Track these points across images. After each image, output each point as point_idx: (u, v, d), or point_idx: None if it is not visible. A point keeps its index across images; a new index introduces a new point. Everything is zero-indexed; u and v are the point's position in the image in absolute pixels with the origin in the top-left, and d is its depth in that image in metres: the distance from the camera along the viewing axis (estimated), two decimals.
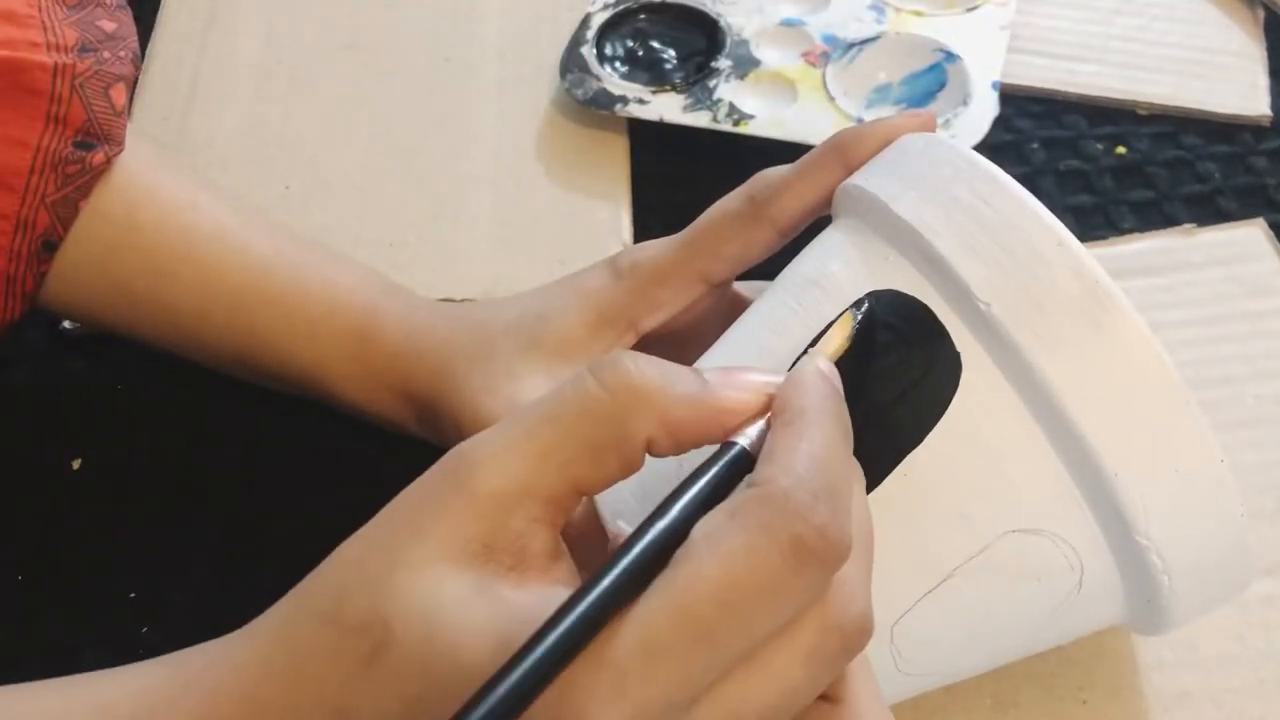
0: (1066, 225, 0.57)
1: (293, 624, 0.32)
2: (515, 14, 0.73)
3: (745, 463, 0.31)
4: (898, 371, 0.36)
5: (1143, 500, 0.35)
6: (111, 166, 0.50)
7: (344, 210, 0.64)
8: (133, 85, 0.53)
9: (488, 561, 0.30)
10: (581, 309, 0.48)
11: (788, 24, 0.70)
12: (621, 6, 0.70)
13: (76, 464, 0.55)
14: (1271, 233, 0.60)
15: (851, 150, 0.44)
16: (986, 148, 0.64)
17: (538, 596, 0.30)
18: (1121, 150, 0.66)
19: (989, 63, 0.67)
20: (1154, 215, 0.62)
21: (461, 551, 0.30)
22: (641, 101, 0.66)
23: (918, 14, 0.69)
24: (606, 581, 0.28)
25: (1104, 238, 0.62)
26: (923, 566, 0.37)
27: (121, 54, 0.52)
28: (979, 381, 0.36)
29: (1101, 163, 0.65)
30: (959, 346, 0.36)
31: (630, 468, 0.32)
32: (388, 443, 0.52)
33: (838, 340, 0.36)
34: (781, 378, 0.33)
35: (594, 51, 0.68)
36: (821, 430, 0.31)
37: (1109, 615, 0.41)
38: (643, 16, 0.71)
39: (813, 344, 0.37)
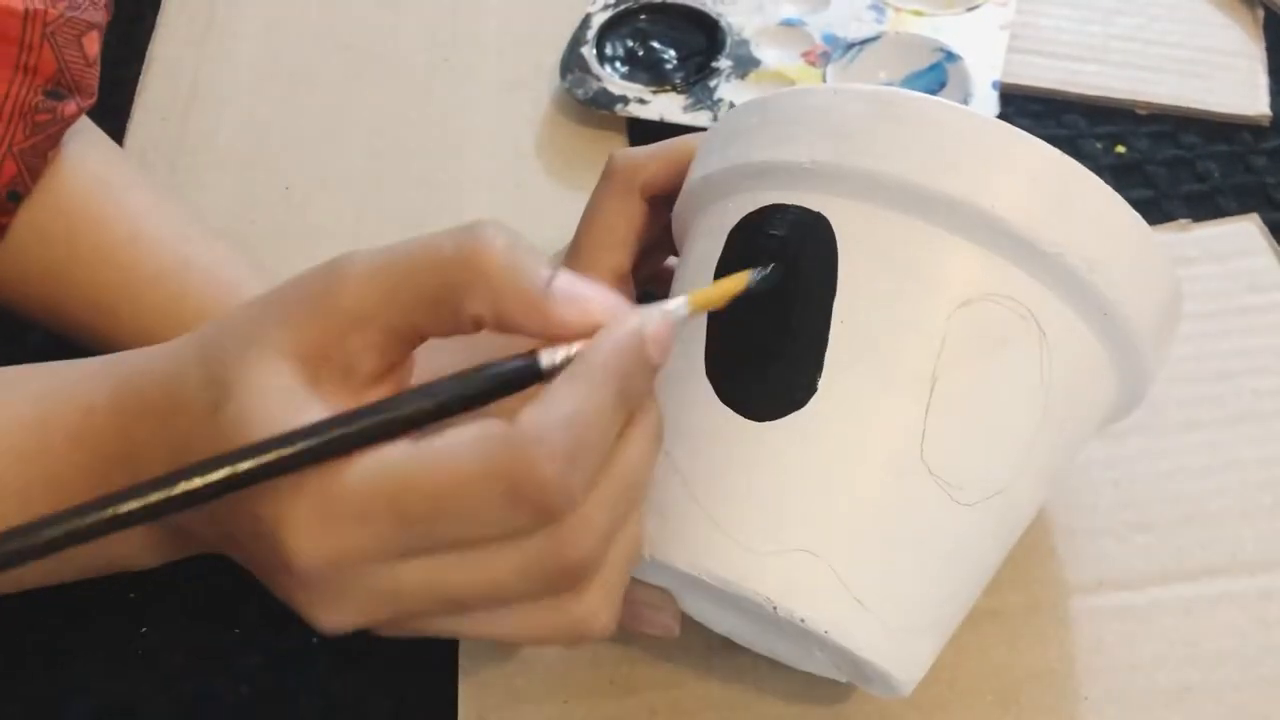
0: None
1: (174, 362, 0.36)
2: (514, 14, 0.73)
3: (534, 375, 0.34)
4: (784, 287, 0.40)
5: (1058, 240, 0.38)
6: (60, 167, 0.50)
7: (343, 210, 0.64)
8: (104, 31, 0.52)
9: (320, 367, 0.34)
10: None
11: (788, 24, 0.70)
12: (622, 6, 0.71)
13: None
14: (1266, 228, 0.60)
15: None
16: None
17: (338, 407, 0.33)
18: (1121, 149, 0.66)
19: (990, 62, 0.67)
20: (1154, 214, 0.62)
21: (305, 352, 0.34)
22: (642, 101, 0.66)
23: (918, 14, 0.70)
24: (353, 426, 0.32)
25: None
26: (908, 385, 0.38)
27: (95, 1, 0.51)
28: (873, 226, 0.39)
29: (1101, 162, 0.65)
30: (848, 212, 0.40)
31: (462, 331, 0.34)
32: None
33: (715, 295, 0.38)
34: (615, 314, 0.34)
35: (594, 51, 0.68)
36: (595, 398, 0.33)
37: (1097, 385, 0.42)
38: (643, 16, 0.71)
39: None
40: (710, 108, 0.65)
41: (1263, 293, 0.57)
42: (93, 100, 0.50)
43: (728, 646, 0.46)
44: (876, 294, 0.39)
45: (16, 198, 0.49)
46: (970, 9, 0.70)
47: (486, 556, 0.33)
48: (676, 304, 0.36)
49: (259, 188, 0.64)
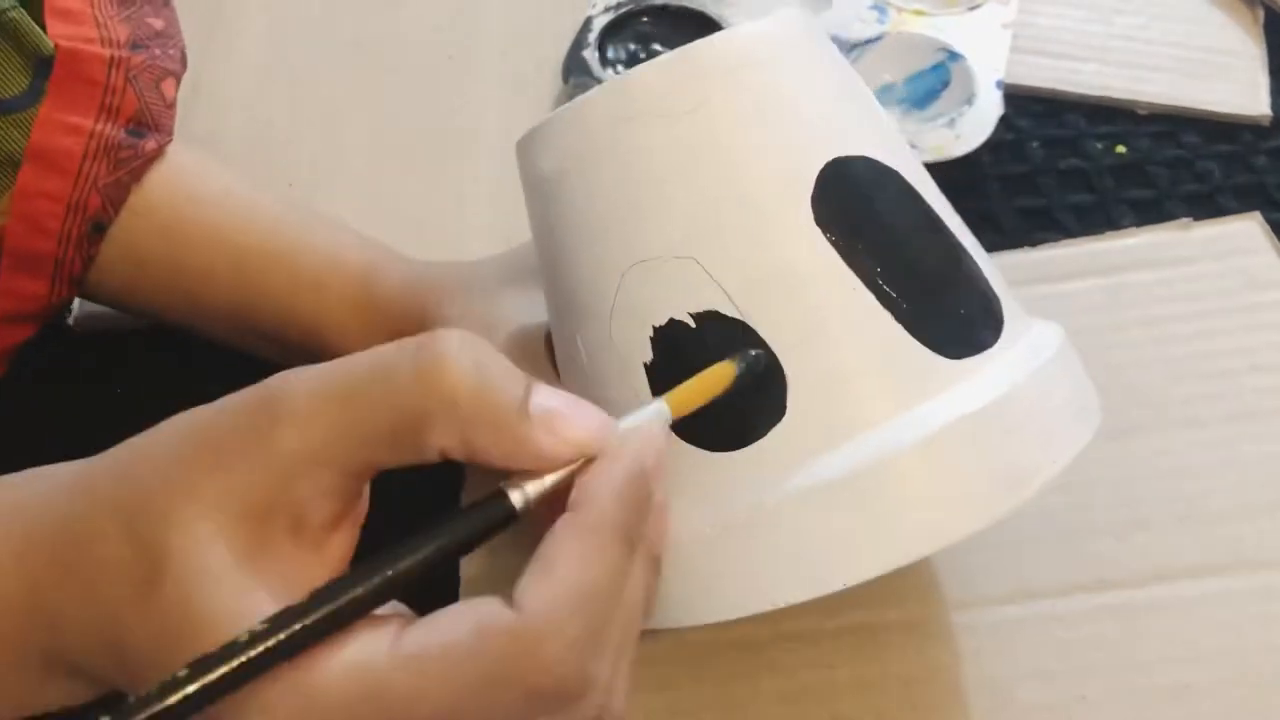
0: (1067, 223, 0.58)
1: (98, 515, 0.31)
2: (517, 13, 0.73)
3: (509, 519, 0.31)
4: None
5: None
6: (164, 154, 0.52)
7: (345, 208, 0.64)
8: (179, 82, 0.54)
9: (267, 521, 0.30)
10: None
11: None
12: (623, 9, 0.71)
13: None
14: (1268, 226, 0.60)
15: None
16: (986, 146, 0.64)
17: (296, 573, 0.30)
18: (1121, 149, 0.66)
19: (992, 62, 0.67)
20: (1154, 214, 0.62)
21: (246, 505, 0.30)
22: None
23: (920, 14, 0.70)
24: (319, 612, 0.29)
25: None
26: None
27: (171, 51, 0.53)
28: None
29: (1101, 162, 0.66)
30: None
31: (425, 461, 0.31)
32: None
33: (696, 396, 0.35)
34: (600, 440, 0.32)
35: (596, 55, 0.69)
36: (603, 555, 0.30)
37: None
38: (644, 19, 0.71)
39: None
40: None
41: (1263, 291, 0.57)
42: (170, 138, 0.53)
43: (725, 648, 0.47)
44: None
45: (101, 229, 0.51)
46: (972, 8, 0.70)
47: None
48: (656, 412, 0.34)
49: (262, 185, 0.64)
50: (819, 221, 0.37)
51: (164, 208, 0.52)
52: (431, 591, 0.32)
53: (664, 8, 0.71)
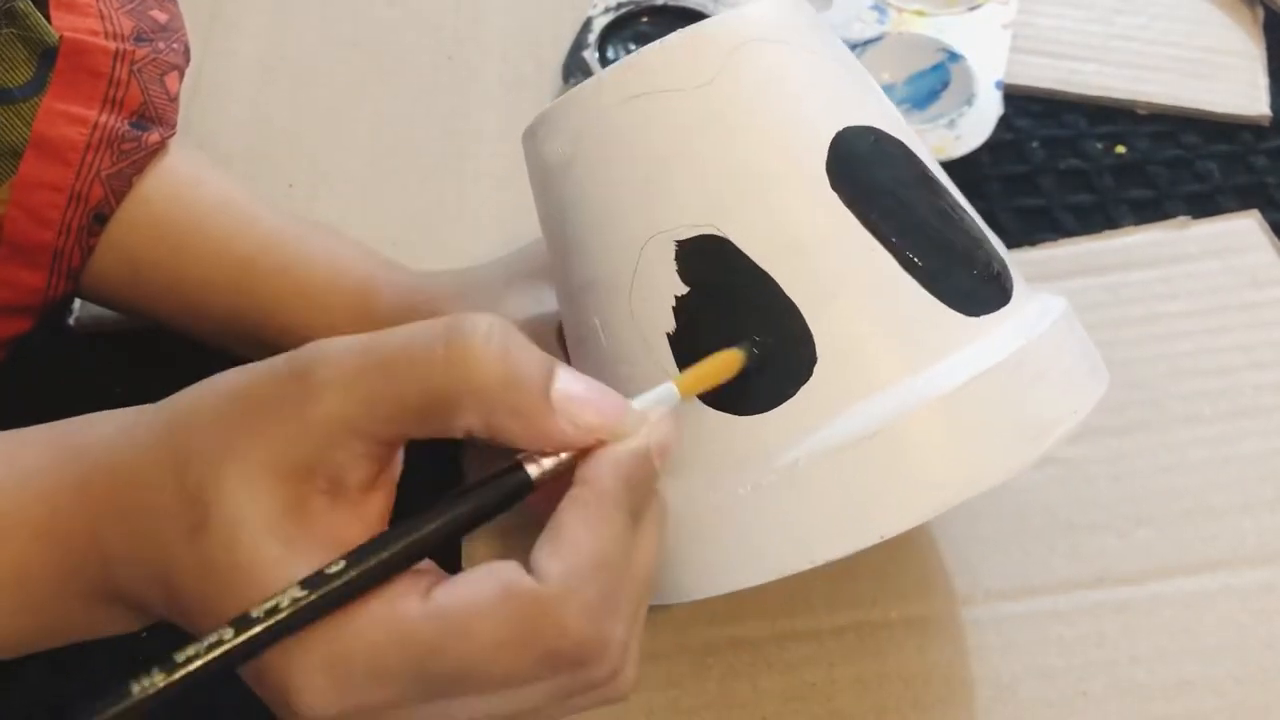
0: (1067, 223, 0.59)
1: (149, 466, 0.33)
2: (517, 13, 0.73)
3: (527, 489, 0.33)
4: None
5: None
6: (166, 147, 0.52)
7: (345, 209, 0.64)
8: (182, 75, 0.55)
9: (306, 480, 0.32)
10: None
11: None
12: (623, 10, 0.71)
13: None
14: (1266, 224, 0.60)
15: None
16: (986, 147, 0.64)
17: (334, 529, 0.32)
18: (1121, 149, 0.66)
19: (992, 62, 0.67)
20: (1154, 214, 0.62)
21: (286, 466, 0.31)
22: None
23: (920, 14, 0.70)
24: (352, 573, 0.30)
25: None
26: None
27: (175, 45, 0.54)
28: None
29: (1101, 162, 0.66)
30: None
31: (449, 436, 0.32)
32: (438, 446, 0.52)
33: (705, 378, 0.37)
34: (614, 422, 0.33)
35: (596, 55, 0.69)
36: (611, 525, 0.32)
37: None
38: (644, 20, 0.71)
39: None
40: None
41: (1263, 288, 0.58)
42: (173, 132, 0.53)
43: (727, 646, 0.46)
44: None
45: (103, 220, 0.51)
46: (972, 8, 0.70)
47: (512, 693, 0.32)
48: (665, 393, 0.35)
49: (262, 185, 0.65)
50: (834, 187, 0.38)
51: (164, 216, 0.52)
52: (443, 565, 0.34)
53: (664, 8, 0.71)
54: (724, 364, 0.37)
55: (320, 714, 0.31)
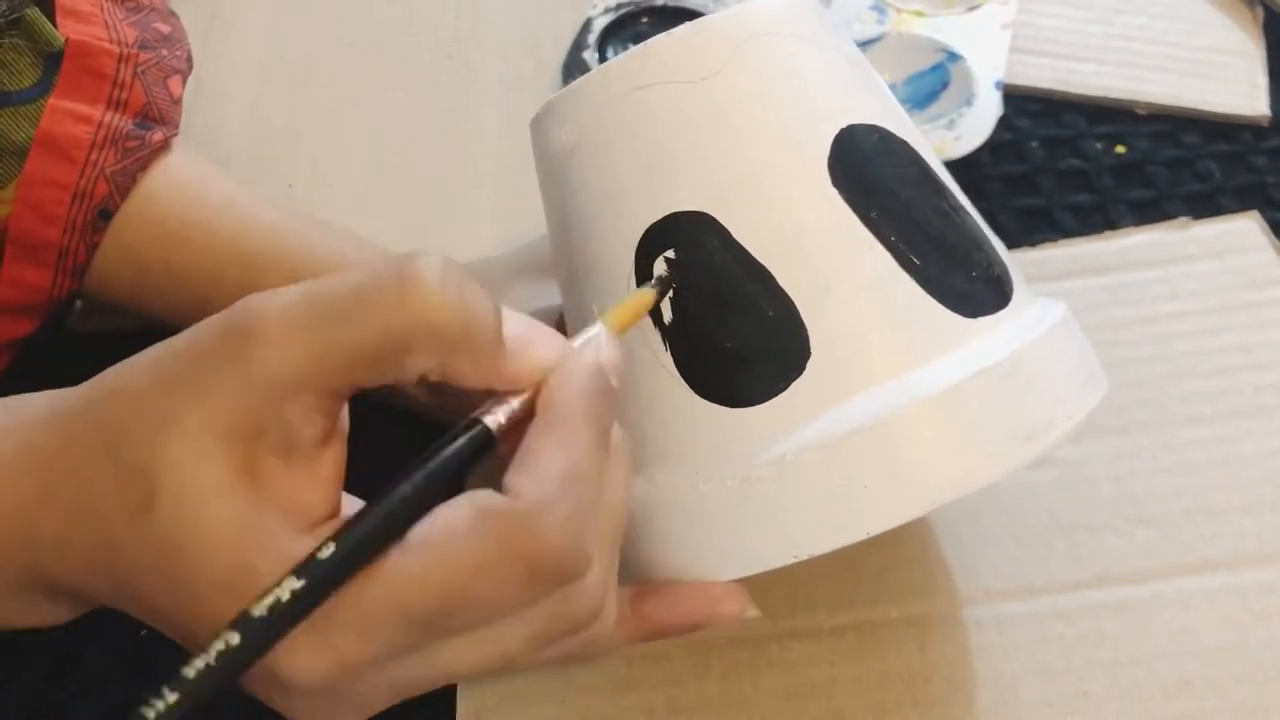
0: (1067, 223, 0.59)
1: (77, 446, 0.32)
2: (517, 13, 0.73)
3: (488, 441, 0.32)
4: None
5: None
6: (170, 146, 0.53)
7: (346, 209, 0.64)
8: (185, 80, 0.56)
9: (256, 440, 0.30)
10: None
11: None
12: (623, 10, 0.71)
13: None
14: (1266, 224, 0.60)
15: None
16: (986, 147, 0.64)
17: (292, 490, 0.31)
18: (1121, 149, 0.66)
19: (992, 62, 0.67)
20: (1154, 214, 0.62)
21: (233, 427, 0.30)
22: None
23: (919, 14, 0.70)
24: (340, 558, 0.29)
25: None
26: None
27: (178, 53, 0.55)
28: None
29: (1101, 161, 0.66)
30: None
31: (403, 383, 0.32)
32: (386, 431, 0.52)
33: (627, 316, 0.37)
34: (562, 355, 0.33)
35: (596, 56, 0.69)
36: (579, 439, 0.31)
37: None
38: (644, 20, 0.71)
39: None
40: None
41: (1262, 289, 0.58)
42: (177, 132, 0.54)
43: (727, 645, 0.46)
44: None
45: (107, 215, 0.51)
46: (971, 9, 0.70)
47: (496, 631, 0.32)
48: (599, 329, 0.35)
49: (262, 185, 0.64)
50: (835, 184, 0.38)
51: (168, 213, 0.52)
52: None
53: (663, 8, 0.71)
54: (640, 301, 0.38)
55: (309, 678, 0.30)
